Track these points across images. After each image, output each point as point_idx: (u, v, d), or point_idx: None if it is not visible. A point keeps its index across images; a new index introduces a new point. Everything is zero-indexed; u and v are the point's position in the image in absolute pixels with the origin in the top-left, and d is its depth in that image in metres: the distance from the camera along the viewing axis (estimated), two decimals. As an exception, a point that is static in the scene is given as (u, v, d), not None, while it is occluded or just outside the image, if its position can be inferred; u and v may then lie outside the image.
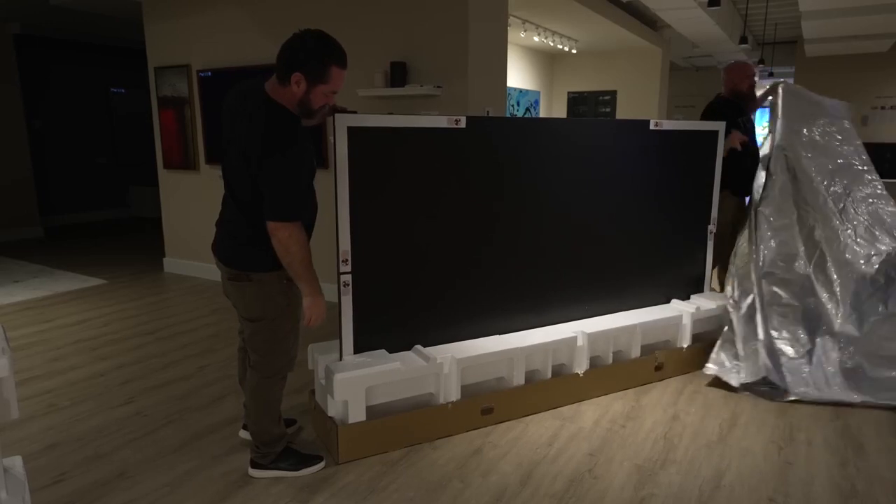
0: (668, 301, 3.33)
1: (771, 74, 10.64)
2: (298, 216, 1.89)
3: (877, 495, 2.12)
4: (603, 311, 3.10)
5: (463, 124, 2.52)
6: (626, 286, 3.15)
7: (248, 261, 2.00)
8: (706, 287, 3.47)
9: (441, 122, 2.48)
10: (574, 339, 2.80)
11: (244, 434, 2.44)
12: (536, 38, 6.89)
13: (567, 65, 8.89)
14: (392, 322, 2.52)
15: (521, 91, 8.22)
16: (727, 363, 2.98)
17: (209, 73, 4.74)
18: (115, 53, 8.75)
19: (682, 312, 3.15)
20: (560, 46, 7.33)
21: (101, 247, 6.83)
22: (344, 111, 2.24)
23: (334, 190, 2.30)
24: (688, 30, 7.61)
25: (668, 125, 3.11)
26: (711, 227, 3.41)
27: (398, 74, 3.82)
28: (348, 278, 2.39)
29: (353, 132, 2.30)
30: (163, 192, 5.39)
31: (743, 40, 6.46)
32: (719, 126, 3.32)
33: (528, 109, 8.49)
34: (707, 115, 3.57)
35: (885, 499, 2.10)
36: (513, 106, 8.05)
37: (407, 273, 2.51)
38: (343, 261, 2.37)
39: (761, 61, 8.59)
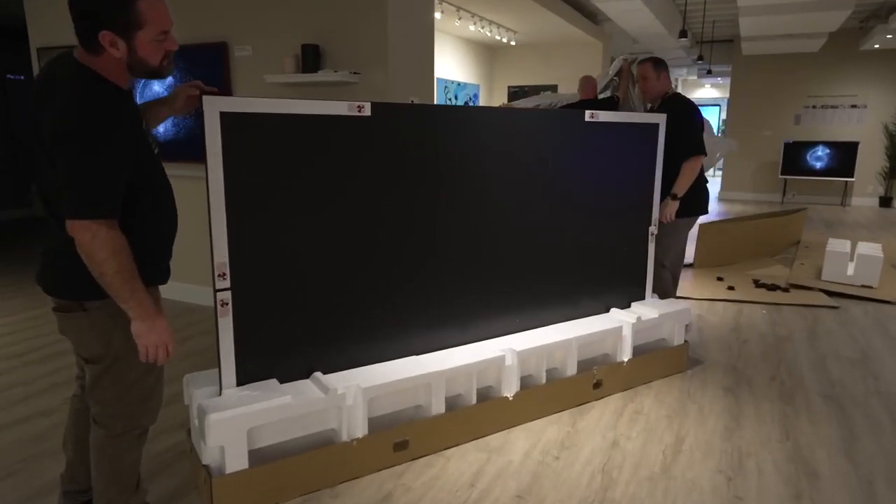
0: (606, 310, 3.04)
1: (709, 72, 10.68)
2: (107, 212, 1.40)
3: (836, 537, 1.86)
4: (535, 324, 2.78)
5: (367, 111, 2.14)
6: (561, 295, 2.85)
7: (79, 286, 1.50)
8: (647, 294, 3.21)
9: (341, 108, 2.09)
10: (502, 357, 2.46)
11: None
12: (472, 28, 6.56)
13: (507, 57, 8.62)
14: (285, 345, 2.12)
15: (459, 84, 7.89)
16: None
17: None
18: (10, 36, 7.92)
19: (621, 323, 2.87)
20: (498, 38, 7.04)
21: (-8, 251, 6.11)
22: (213, 93, 1.82)
23: (206, 190, 1.88)
24: (628, 23, 7.44)
25: (604, 116, 2.82)
26: (652, 229, 3.14)
27: (310, 59, 3.39)
28: (227, 296, 1.97)
29: (228, 119, 1.88)
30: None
31: (682, 34, 6.32)
32: (660, 119, 3.05)
33: (466, 103, 8.17)
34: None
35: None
36: (450, 99, 7.71)
37: (302, 286, 2.12)
38: (220, 275, 1.95)
39: (700, 58, 8.53)
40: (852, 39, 10.28)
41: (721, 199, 11.40)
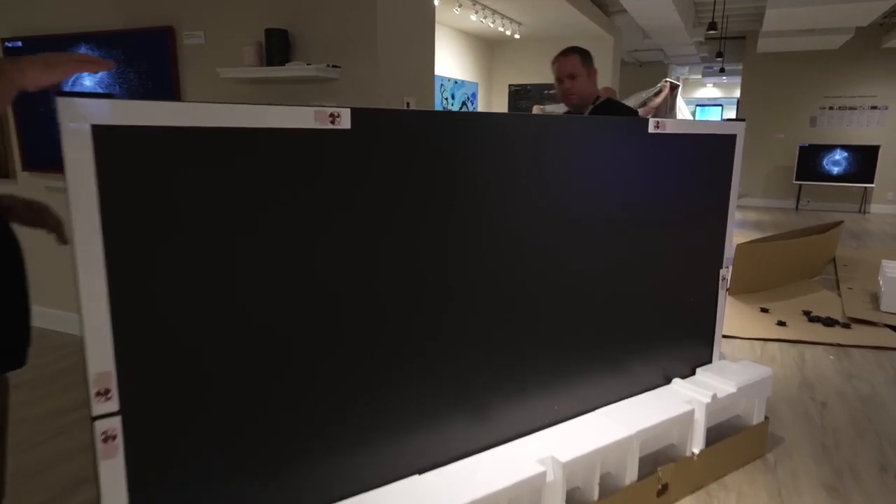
0: (666, 381, 2.31)
1: (722, 70, 10.01)
2: None
3: None
4: (579, 408, 2.04)
5: (345, 122, 1.38)
6: (611, 364, 2.10)
7: None
8: (715, 355, 2.47)
9: (304, 118, 1.32)
10: (542, 475, 1.72)
11: None
12: (474, 18, 5.81)
13: (509, 53, 7.88)
14: (214, 480, 1.36)
15: (456, 82, 7.13)
16: None
17: (19, 44, 3.38)
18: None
19: (692, 404, 2.13)
20: (501, 29, 6.29)
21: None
22: (75, 94, 1.06)
23: (72, 259, 1.12)
24: (644, 15, 6.73)
25: (672, 126, 2.08)
26: (724, 273, 2.41)
27: (277, 48, 2.63)
28: (113, 425, 1.21)
29: (106, 136, 1.12)
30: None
31: (712, 26, 5.61)
32: (738, 128, 2.32)
33: (464, 104, 7.42)
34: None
35: None
36: (446, 99, 6.95)
37: (245, 387, 1.35)
38: (99, 393, 1.18)
39: (720, 54, 7.84)
40: (873, 36, 9.63)
41: (732, 205, 10.71)
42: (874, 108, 10.02)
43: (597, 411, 2.07)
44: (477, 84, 7.70)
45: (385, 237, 1.48)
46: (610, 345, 2.09)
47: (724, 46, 9.20)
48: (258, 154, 1.28)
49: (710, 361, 2.46)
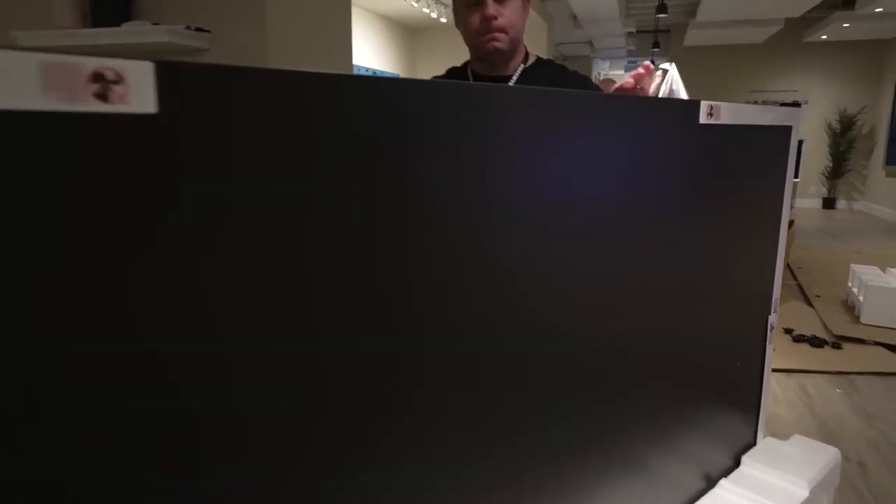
0: (707, 481, 1.60)
1: (653, 62, 9.72)
2: None
3: None
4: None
5: (148, 103, 0.55)
6: (635, 465, 1.37)
7: None
8: (760, 430, 1.79)
9: (23, 85, 0.49)
10: None
11: None
12: (395, -3, 5.01)
13: (433, 41, 7.12)
14: None
15: (374, 72, 6.31)
16: None
17: None
18: None
19: (757, 526, 1.44)
20: (427, 10, 5.51)
21: None
22: None
23: None
24: (581, 2, 6.15)
25: (729, 114, 1.37)
26: (772, 320, 1.73)
27: (108, 2, 1.72)
28: None
29: None
30: None
31: (661, 8, 5.07)
32: (793, 115, 1.64)
33: (385, 98, 6.60)
34: None
35: None
36: (366, 92, 6.11)
37: None
38: None
39: (656, 45, 7.46)
40: (796, 30, 9.62)
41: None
42: (796, 102, 10.04)
43: (629, 558, 1.33)
44: (398, 74, 6.91)
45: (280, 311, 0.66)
46: (635, 437, 1.35)
47: (656, 39, 8.86)
48: None
49: (753, 442, 1.78)
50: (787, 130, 1.61)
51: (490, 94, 0.79)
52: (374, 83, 0.66)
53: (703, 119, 1.27)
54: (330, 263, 0.65)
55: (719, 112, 1.30)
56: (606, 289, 1.09)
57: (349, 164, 0.65)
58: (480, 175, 0.79)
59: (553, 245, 0.94)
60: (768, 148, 1.55)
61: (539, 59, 1.71)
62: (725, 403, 1.70)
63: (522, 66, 1.66)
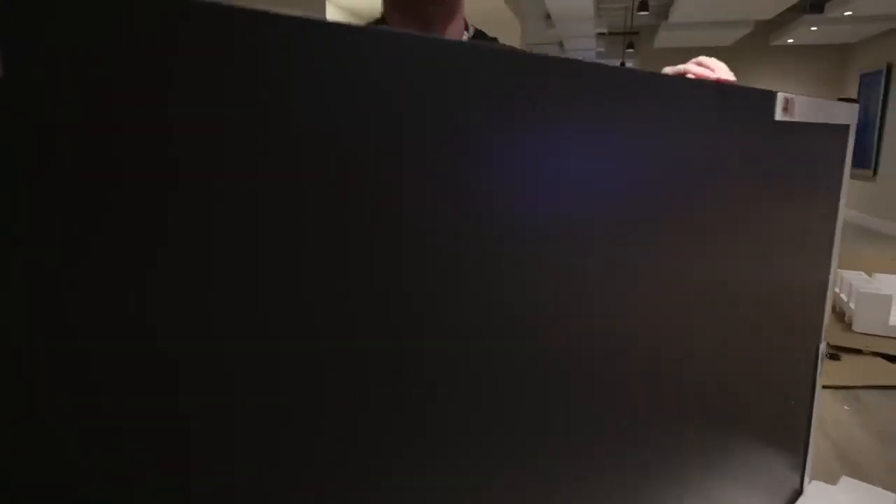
0: (759, 541, 1.37)
1: (622, 64, 9.63)
2: None
3: None
4: None
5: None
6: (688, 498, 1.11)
7: None
8: (807, 476, 1.57)
9: None
10: None
11: None
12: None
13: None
14: None
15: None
16: None
17: None
18: None
19: None
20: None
21: None
22: None
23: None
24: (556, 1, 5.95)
25: (804, 110, 1.13)
26: (824, 348, 1.51)
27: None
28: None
29: None
30: None
31: (643, 6, 4.91)
32: (848, 111, 1.42)
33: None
34: None
35: None
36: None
37: None
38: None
39: (631, 46, 7.33)
40: (763, 33, 9.66)
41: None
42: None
43: None
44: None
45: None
46: (665, 488, 1.09)
47: (625, 41, 8.76)
48: None
49: (800, 490, 1.55)
50: (846, 130, 1.39)
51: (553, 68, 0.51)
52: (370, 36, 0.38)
53: (778, 115, 1.02)
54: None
55: (794, 107, 1.05)
56: (663, 321, 0.83)
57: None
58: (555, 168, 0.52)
59: (607, 266, 0.68)
60: (830, 150, 1.32)
61: (479, 32, 1.26)
62: (774, 445, 1.46)
63: (467, 34, 1.21)
